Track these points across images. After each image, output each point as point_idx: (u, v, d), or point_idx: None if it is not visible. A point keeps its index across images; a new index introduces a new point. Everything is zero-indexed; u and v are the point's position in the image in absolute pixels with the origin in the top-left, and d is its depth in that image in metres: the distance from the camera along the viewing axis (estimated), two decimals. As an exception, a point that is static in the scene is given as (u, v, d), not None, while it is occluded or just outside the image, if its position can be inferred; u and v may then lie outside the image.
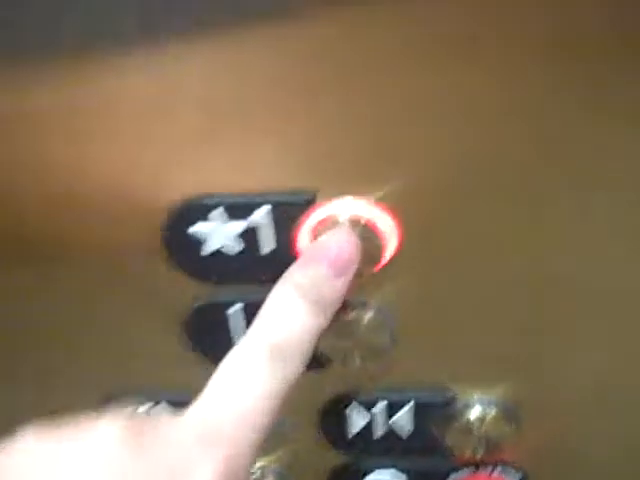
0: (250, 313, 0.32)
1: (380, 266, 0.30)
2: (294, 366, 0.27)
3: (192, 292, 0.32)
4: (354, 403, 0.35)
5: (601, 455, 0.37)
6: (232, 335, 0.32)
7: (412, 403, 0.35)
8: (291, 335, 0.27)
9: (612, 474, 0.37)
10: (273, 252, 0.30)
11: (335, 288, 0.28)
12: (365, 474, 0.39)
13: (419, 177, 0.28)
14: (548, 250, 0.30)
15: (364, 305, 0.32)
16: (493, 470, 0.38)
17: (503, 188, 0.29)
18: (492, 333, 0.33)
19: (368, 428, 0.36)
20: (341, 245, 0.28)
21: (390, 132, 0.27)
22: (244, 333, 0.31)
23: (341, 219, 0.29)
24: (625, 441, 0.36)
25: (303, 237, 0.29)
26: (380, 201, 0.29)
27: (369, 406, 0.35)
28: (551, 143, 0.27)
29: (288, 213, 0.29)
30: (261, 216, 0.29)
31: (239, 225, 0.29)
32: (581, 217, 0.29)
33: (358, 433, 0.36)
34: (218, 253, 0.30)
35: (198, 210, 0.29)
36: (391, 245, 0.30)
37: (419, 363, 0.34)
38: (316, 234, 0.29)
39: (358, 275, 0.29)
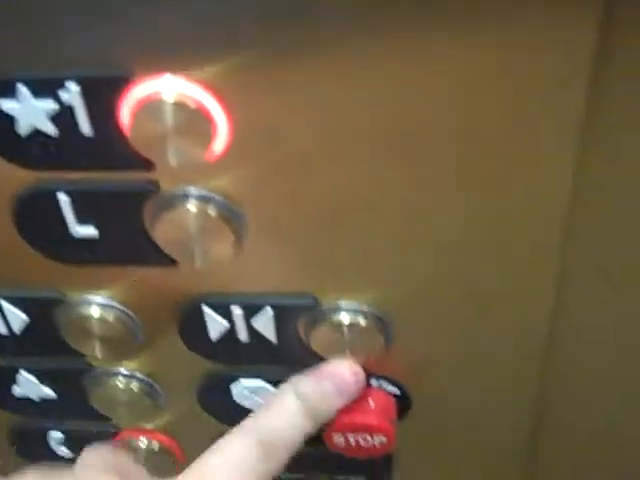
0: (80, 197, 0.29)
1: (216, 156, 0.27)
2: (279, 463, 0.30)
3: (20, 178, 0.29)
4: (208, 305, 0.33)
5: (477, 370, 0.35)
6: (64, 223, 0.30)
7: (270, 307, 0.32)
8: (284, 434, 0.30)
9: (489, 387, 0.36)
10: (92, 134, 0.27)
11: (332, 405, 0.32)
12: (234, 382, 0.37)
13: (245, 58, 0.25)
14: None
15: (207, 199, 0.29)
16: (371, 382, 0.36)
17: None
18: (354, 235, 0.30)
19: (227, 333, 0.34)
20: (349, 373, 0.32)
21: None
22: (76, 220, 0.29)
23: (166, 98, 0.26)
24: (502, 352, 0.34)
25: (124, 117, 0.26)
26: (207, 82, 0.26)
27: (226, 310, 0.33)
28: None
29: (102, 91, 0.26)
30: (71, 94, 0.26)
31: (48, 104, 0.26)
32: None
33: (217, 338, 0.34)
34: (33, 136, 0.27)
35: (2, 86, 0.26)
36: (223, 133, 0.27)
37: (272, 264, 0.31)
38: (136, 114, 0.26)
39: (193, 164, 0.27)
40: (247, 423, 0.31)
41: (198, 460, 0.29)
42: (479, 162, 0.27)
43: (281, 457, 0.30)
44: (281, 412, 0.31)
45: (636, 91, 0.25)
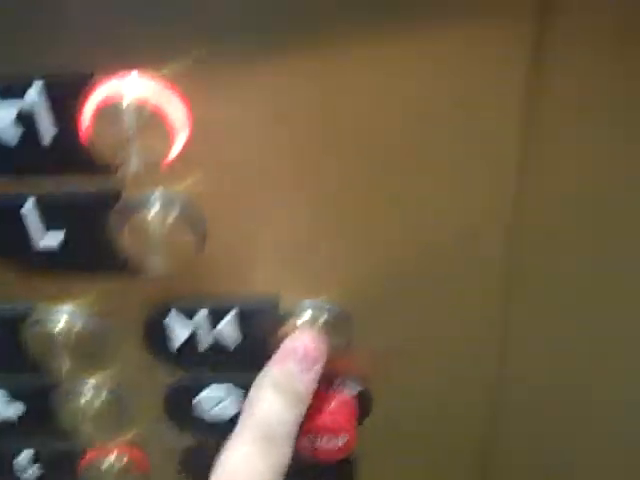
0: (44, 206, 0.30)
1: (176, 157, 0.29)
2: (283, 452, 0.31)
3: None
4: (174, 312, 0.34)
5: (436, 369, 0.36)
6: (29, 234, 0.31)
7: (235, 310, 0.33)
8: (276, 426, 0.31)
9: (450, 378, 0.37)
10: (56, 138, 0.28)
11: (306, 381, 0.32)
12: (201, 391, 0.37)
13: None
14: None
15: (170, 202, 0.30)
16: (331, 384, 0.37)
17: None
18: (315, 235, 0.32)
19: (192, 339, 0.34)
20: (307, 343, 0.33)
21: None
22: (41, 230, 0.29)
23: (125, 101, 0.27)
24: (458, 348, 0.35)
25: (85, 120, 0.27)
26: (168, 78, 0.27)
27: (190, 315, 0.34)
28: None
29: (64, 92, 0.27)
30: (34, 96, 0.27)
31: (13, 106, 0.27)
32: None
33: (182, 345, 0.35)
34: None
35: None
36: (182, 131, 0.28)
37: (234, 267, 0.32)
38: (98, 116, 0.27)
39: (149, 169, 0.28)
40: (243, 422, 0.31)
41: (217, 466, 0.30)
42: (432, 156, 0.29)
43: (283, 448, 0.31)
44: (264, 405, 0.32)
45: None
